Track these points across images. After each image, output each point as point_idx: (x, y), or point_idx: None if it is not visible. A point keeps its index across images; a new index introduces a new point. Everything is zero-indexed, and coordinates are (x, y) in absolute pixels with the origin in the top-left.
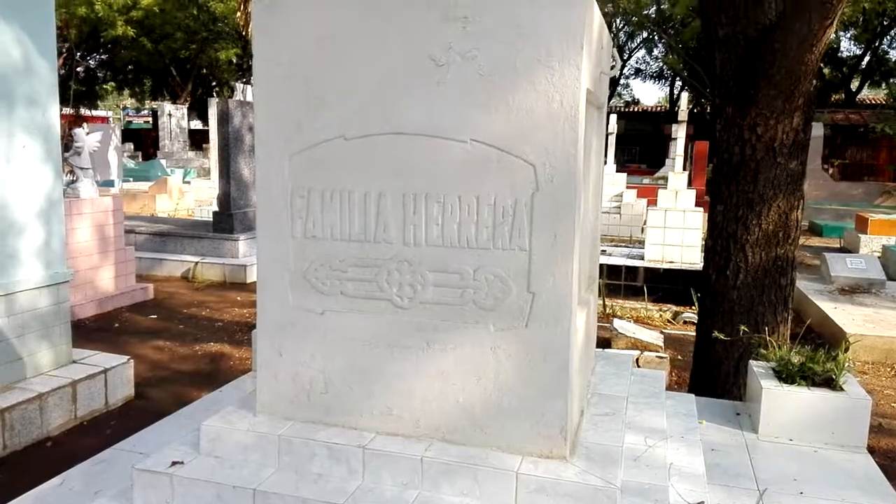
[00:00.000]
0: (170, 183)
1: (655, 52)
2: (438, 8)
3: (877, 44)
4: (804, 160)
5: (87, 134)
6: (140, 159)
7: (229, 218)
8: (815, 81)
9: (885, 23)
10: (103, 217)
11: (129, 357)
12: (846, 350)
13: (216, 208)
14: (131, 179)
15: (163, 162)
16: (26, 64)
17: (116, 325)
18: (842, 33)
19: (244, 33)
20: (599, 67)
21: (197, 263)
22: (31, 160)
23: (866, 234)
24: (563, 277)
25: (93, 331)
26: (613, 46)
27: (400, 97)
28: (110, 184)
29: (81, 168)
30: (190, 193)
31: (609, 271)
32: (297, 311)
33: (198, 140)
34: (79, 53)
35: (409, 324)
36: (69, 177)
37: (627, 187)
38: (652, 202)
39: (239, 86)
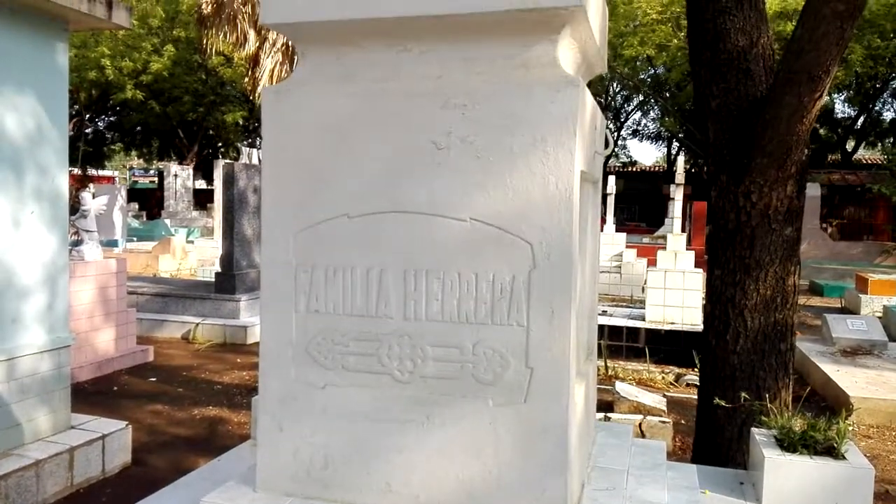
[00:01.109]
0: (173, 243)
1: (652, 114)
2: (439, 97)
3: (870, 105)
4: (799, 226)
5: (94, 197)
6: (144, 218)
7: (231, 279)
8: (806, 151)
9: (877, 85)
10: (106, 279)
11: (126, 422)
12: (849, 416)
13: (219, 268)
14: (135, 239)
15: (167, 222)
16: (39, 133)
17: (115, 388)
18: (836, 95)
19: (251, 97)
20: (593, 148)
21: (198, 324)
22: (39, 226)
23: (867, 294)
24: (561, 353)
25: (91, 394)
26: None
27: (402, 178)
28: (114, 243)
29: (87, 231)
30: (193, 253)
31: (610, 332)
32: (299, 385)
33: (202, 200)
34: (88, 115)
35: (409, 398)
36: (74, 237)
37: (627, 246)
38: (652, 262)
39: (245, 149)
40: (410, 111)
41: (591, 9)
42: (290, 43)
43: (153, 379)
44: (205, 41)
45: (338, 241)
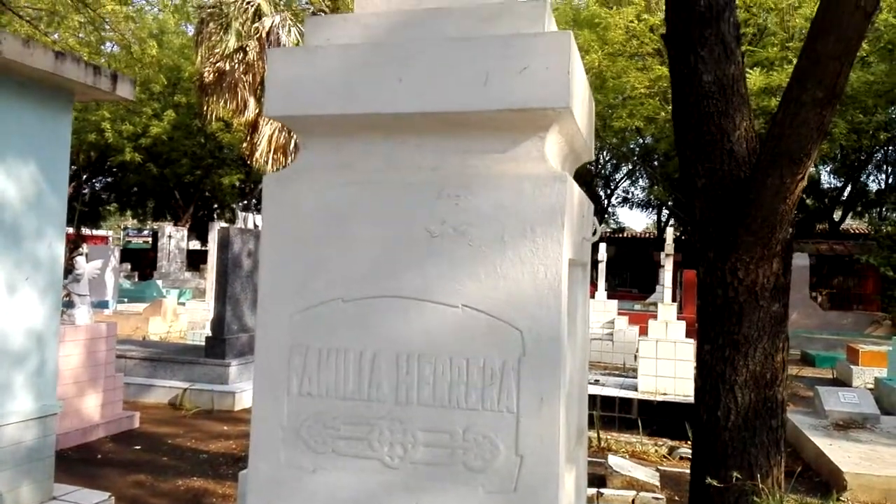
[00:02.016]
0: (164, 305)
1: (641, 182)
2: (433, 187)
3: (856, 176)
4: (786, 303)
5: (87, 260)
6: (136, 279)
7: (222, 343)
8: (791, 230)
9: (862, 157)
10: (96, 344)
11: (109, 494)
12: (842, 493)
13: (209, 332)
14: (126, 300)
15: (159, 283)
16: (38, 200)
17: (99, 456)
18: (822, 167)
19: (249, 162)
20: (581, 234)
21: (185, 390)
22: (33, 292)
23: (858, 365)
24: (551, 440)
25: (75, 462)
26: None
27: (397, 264)
28: (105, 304)
29: (79, 295)
30: (184, 315)
31: (603, 402)
32: (289, 468)
33: (195, 260)
34: (85, 176)
35: (398, 484)
36: (65, 298)
37: (619, 314)
38: (644, 330)
39: (241, 213)
40: (406, 200)
41: (578, 107)
42: None
43: (138, 447)
44: (205, 107)
45: (332, 324)
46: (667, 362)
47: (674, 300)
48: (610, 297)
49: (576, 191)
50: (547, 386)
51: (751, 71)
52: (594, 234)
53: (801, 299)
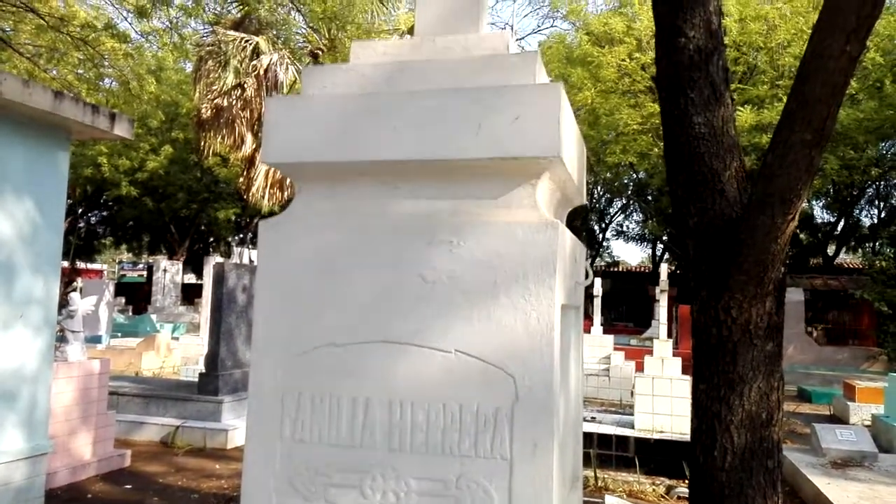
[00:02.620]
0: (158, 340)
1: (636, 216)
2: (427, 233)
3: (849, 211)
4: (780, 342)
5: (82, 294)
6: (131, 313)
7: (215, 379)
8: (783, 269)
9: (854, 193)
10: (88, 381)
11: None
12: None
13: (203, 368)
14: (120, 335)
15: (153, 317)
16: (34, 238)
17: (89, 495)
18: (814, 202)
19: (245, 196)
20: (574, 279)
21: (178, 427)
22: (26, 330)
23: (855, 402)
24: (544, 487)
25: (64, 502)
26: (595, 212)
27: (391, 309)
28: (98, 339)
29: (73, 331)
30: (177, 350)
31: (600, 440)
32: None
33: (190, 294)
34: (81, 210)
35: None
36: (59, 333)
37: (615, 349)
38: (640, 366)
39: (236, 248)
40: (399, 246)
41: (568, 155)
42: None
43: (129, 486)
44: (202, 143)
45: (325, 369)
46: (663, 399)
47: (669, 335)
48: (606, 331)
49: (568, 237)
50: (540, 432)
51: (742, 108)
52: (587, 278)
53: (796, 334)
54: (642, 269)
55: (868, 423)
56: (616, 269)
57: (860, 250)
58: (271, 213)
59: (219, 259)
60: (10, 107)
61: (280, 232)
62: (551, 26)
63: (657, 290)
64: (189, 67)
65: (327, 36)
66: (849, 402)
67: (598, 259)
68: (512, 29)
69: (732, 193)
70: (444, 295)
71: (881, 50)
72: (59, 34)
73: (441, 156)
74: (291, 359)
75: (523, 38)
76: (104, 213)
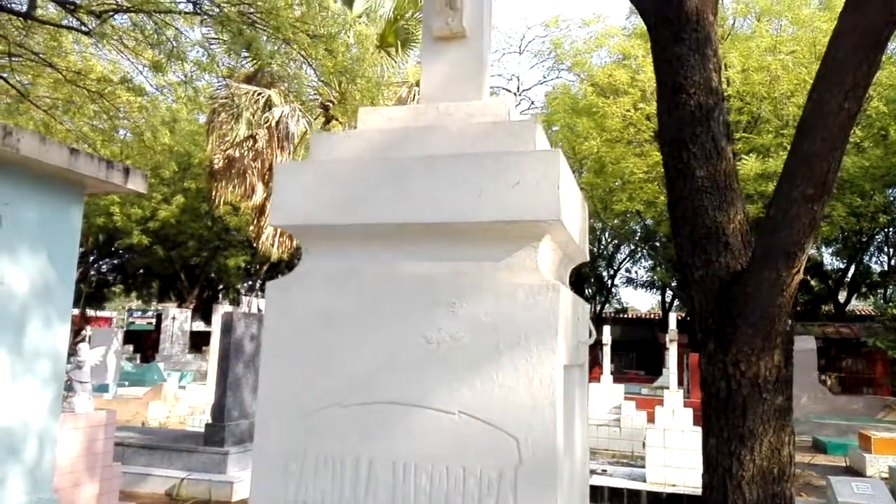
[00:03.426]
0: (164, 389)
1: (644, 262)
2: (430, 295)
3: (859, 258)
4: (790, 395)
5: (90, 345)
6: (138, 361)
7: (221, 430)
8: (790, 322)
9: (863, 239)
10: (95, 432)
11: None
12: None
13: (209, 418)
14: (127, 383)
15: (160, 365)
16: (46, 291)
17: None
18: (823, 248)
19: (255, 244)
20: (577, 338)
21: (182, 479)
22: (34, 383)
23: (871, 453)
24: None
25: None
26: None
27: (395, 370)
28: (105, 388)
29: (80, 382)
30: (184, 399)
31: (611, 494)
32: None
33: (198, 341)
34: (92, 258)
35: None
36: (66, 382)
37: (626, 398)
38: (651, 416)
39: (245, 298)
40: (403, 308)
41: (569, 218)
42: None
43: None
44: (214, 192)
45: (330, 430)
46: (675, 452)
47: (680, 384)
48: (616, 380)
49: (570, 297)
50: (545, 496)
51: (747, 157)
52: (590, 336)
53: (809, 383)
54: (652, 315)
55: (885, 475)
56: (625, 316)
57: (871, 297)
58: (280, 261)
59: (228, 307)
60: (27, 163)
61: (287, 293)
62: (556, 77)
63: (667, 338)
64: (202, 119)
65: (338, 89)
66: (865, 454)
67: (606, 305)
68: (518, 80)
69: (737, 246)
70: (448, 356)
71: (884, 99)
72: (75, 87)
73: (444, 219)
74: (296, 419)
75: (529, 88)
76: (115, 261)
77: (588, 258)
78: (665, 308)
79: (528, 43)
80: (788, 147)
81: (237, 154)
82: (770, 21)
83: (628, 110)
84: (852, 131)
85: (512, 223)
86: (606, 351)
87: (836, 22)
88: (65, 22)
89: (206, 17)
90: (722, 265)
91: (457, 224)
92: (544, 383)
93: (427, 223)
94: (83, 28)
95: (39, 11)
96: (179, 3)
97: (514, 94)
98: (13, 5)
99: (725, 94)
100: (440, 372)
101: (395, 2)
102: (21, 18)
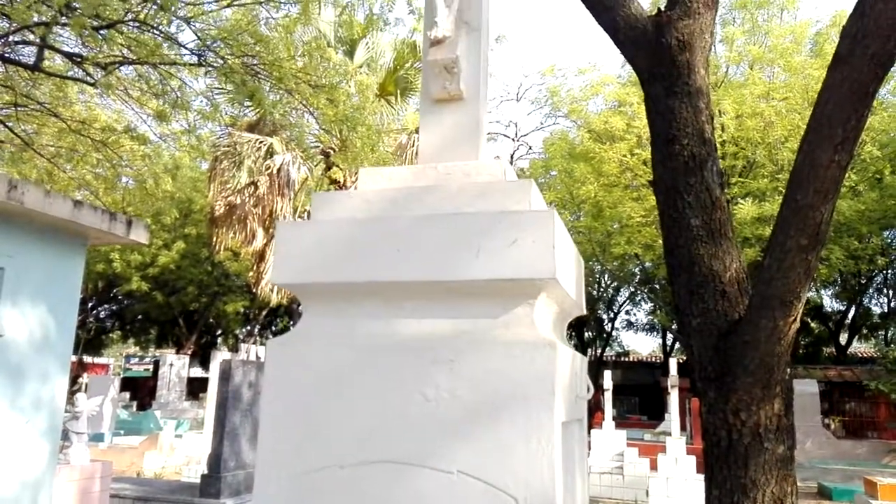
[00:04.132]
0: (160, 439)
1: (644, 305)
2: (428, 352)
3: (858, 300)
4: (791, 444)
5: (87, 394)
6: (135, 409)
7: (217, 481)
8: (788, 370)
9: (862, 281)
10: (90, 484)
11: None
12: None
13: (205, 468)
14: (122, 432)
15: (157, 413)
16: (45, 342)
17: None
18: (823, 291)
19: (254, 290)
20: (574, 393)
21: None
22: (31, 435)
23: (877, 499)
24: None
25: None
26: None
27: (393, 429)
28: (101, 437)
29: (77, 433)
30: (180, 448)
31: None
32: None
33: (195, 388)
34: (91, 305)
35: None
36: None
37: (628, 444)
38: (654, 463)
39: (243, 345)
40: (402, 365)
41: (564, 274)
42: None
43: None
44: (215, 238)
45: (328, 491)
46: (679, 502)
47: (683, 429)
48: (618, 425)
49: (567, 353)
50: None
51: (743, 201)
52: (588, 391)
53: (813, 428)
54: (653, 358)
55: None
56: (626, 360)
57: (873, 339)
58: (279, 306)
59: (226, 353)
60: (31, 216)
61: (288, 350)
62: (554, 123)
63: (668, 383)
64: (205, 166)
65: (339, 136)
66: (871, 500)
67: (607, 349)
68: (516, 126)
69: (734, 294)
70: (446, 414)
71: (878, 143)
72: (79, 136)
73: (442, 277)
74: (296, 479)
75: (527, 134)
76: (114, 307)
77: (585, 311)
78: (666, 351)
79: (525, 91)
80: (783, 191)
81: (238, 200)
82: (762, 68)
83: (625, 155)
84: (847, 175)
85: (509, 281)
86: (608, 396)
87: (826, 72)
88: (71, 73)
89: (210, 68)
90: (719, 313)
91: (455, 282)
92: (542, 441)
93: (425, 281)
94: (89, 79)
95: (46, 63)
96: (184, 55)
97: (513, 139)
98: (21, 57)
99: (720, 139)
100: (438, 430)
101: (396, 52)
102: (28, 70)
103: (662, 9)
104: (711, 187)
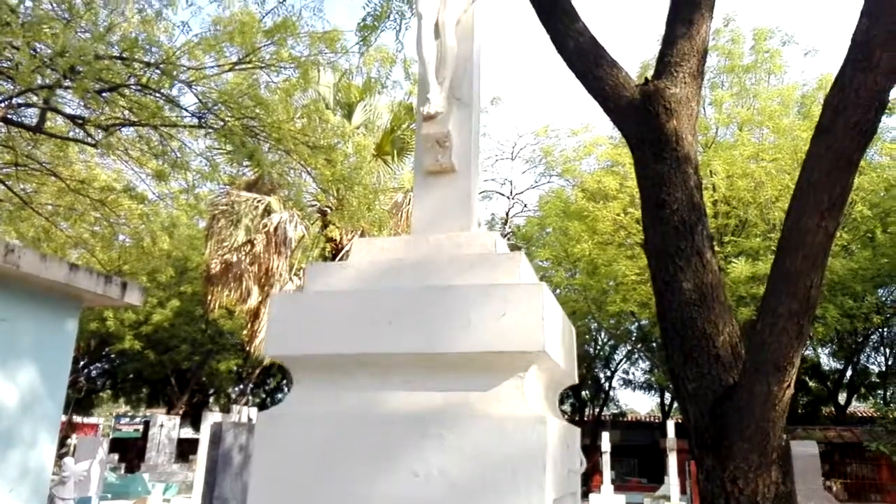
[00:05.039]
0: (148, 503)
1: (641, 364)
2: (418, 425)
3: (856, 359)
4: None
5: (74, 457)
6: (123, 471)
7: None
8: (784, 437)
9: (858, 340)
10: None
11: None
12: None
13: None
14: (110, 496)
15: (145, 476)
16: (34, 406)
17: None
18: (820, 349)
19: (248, 348)
20: (566, 466)
21: None
22: (16, 503)
23: None
24: None
25: None
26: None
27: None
28: (87, 501)
29: (62, 499)
30: None
31: None
32: None
33: (186, 449)
34: (82, 363)
35: None
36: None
37: None
38: None
39: (235, 406)
40: (391, 439)
41: (553, 347)
42: None
43: None
44: (210, 296)
45: None
46: None
47: (683, 492)
48: (617, 488)
49: (558, 427)
50: None
51: (736, 260)
52: (581, 465)
53: (814, 491)
54: (652, 418)
55: None
56: (625, 419)
57: (871, 398)
58: (272, 364)
59: (217, 414)
60: (27, 279)
61: (278, 423)
62: (548, 181)
63: (667, 445)
64: (202, 224)
65: (336, 196)
66: None
67: (605, 409)
68: (511, 184)
69: (727, 359)
70: (435, 490)
71: (868, 202)
72: (78, 196)
73: (433, 349)
74: None
75: (522, 192)
76: (105, 366)
77: (576, 380)
78: (664, 411)
79: (520, 150)
80: (776, 249)
81: (234, 258)
82: (751, 130)
83: (618, 214)
84: (839, 234)
85: (499, 354)
86: (606, 459)
87: (810, 142)
88: (72, 134)
89: (210, 129)
90: (714, 378)
91: (445, 354)
92: None
93: (416, 353)
94: (90, 140)
95: (48, 124)
96: (185, 117)
97: (508, 197)
98: (23, 118)
99: (712, 199)
100: None
101: (392, 114)
102: (31, 132)
103: (650, 78)
104: (702, 251)
